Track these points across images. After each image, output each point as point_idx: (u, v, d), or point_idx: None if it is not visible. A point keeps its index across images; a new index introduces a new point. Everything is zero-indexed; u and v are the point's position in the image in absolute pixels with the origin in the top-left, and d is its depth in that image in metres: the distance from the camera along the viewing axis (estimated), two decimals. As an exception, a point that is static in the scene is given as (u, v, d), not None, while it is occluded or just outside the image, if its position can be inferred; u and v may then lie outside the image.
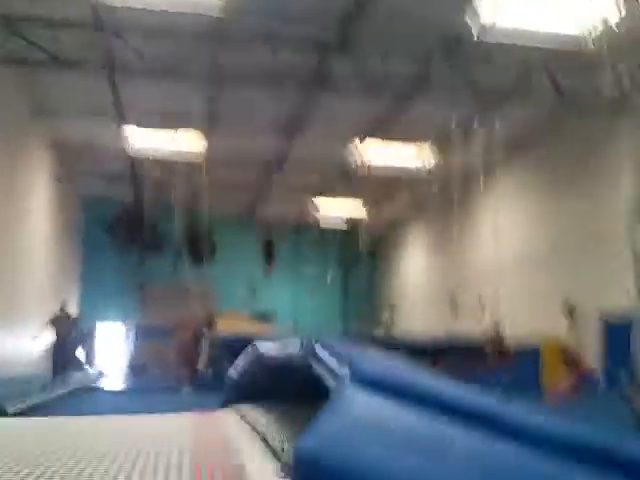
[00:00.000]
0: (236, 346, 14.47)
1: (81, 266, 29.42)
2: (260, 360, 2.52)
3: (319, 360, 1.37)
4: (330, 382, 1.22)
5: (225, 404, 2.90)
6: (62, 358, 17.29)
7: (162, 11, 12.66)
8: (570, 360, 15.20)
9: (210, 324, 17.01)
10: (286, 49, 14.33)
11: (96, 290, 28.63)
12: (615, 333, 15.25)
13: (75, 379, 16.12)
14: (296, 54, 14.49)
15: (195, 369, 15.91)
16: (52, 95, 17.87)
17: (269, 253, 20.67)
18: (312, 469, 0.85)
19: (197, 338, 16.48)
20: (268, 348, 2.48)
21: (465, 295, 18.10)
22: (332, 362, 1.27)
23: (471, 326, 16.85)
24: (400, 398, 0.94)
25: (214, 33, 13.66)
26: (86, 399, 13.44)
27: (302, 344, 1.63)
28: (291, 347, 1.99)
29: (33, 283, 21.23)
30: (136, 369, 22.95)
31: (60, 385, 14.29)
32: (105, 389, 16.09)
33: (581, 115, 15.97)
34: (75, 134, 21.13)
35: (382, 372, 1.10)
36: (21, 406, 9.44)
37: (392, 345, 16.88)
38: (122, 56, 14.60)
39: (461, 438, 0.85)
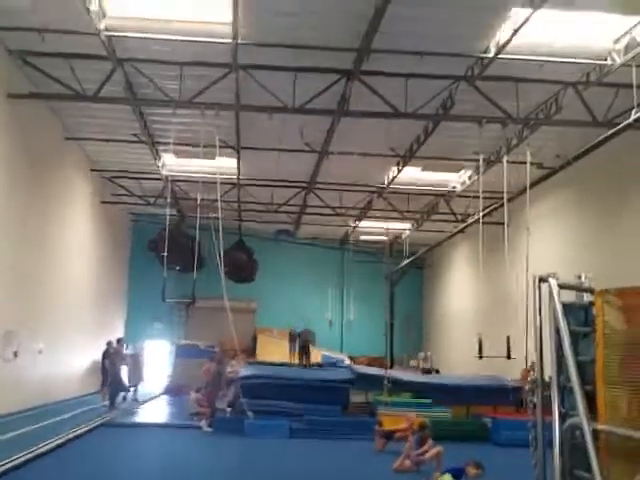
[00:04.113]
0: (258, 385, 14.20)
1: (127, 284, 29.92)
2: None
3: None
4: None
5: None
6: (112, 381, 18.28)
7: (174, 40, 12.69)
8: None
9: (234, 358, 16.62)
10: (308, 76, 14.07)
11: (142, 308, 29.04)
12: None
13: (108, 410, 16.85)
14: (318, 82, 14.17)
15: (215, 407, 15.27)
16: (84, 123, 18.26)
17: (305, 350, 20.21)
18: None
19: (220, 374, 16.04)
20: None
21: (498, 329, 17.23)
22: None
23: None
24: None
25: (231, 61, 13.54)
26: (109, 435, 13.47)
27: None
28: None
29: (80, 307, 21.68)
30: (172, 390, 23.06)
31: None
32: (129, 422, 15.66)
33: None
34: (112, 159, 21.55)
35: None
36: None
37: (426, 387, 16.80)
38: (143, 87, 14.73)
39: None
